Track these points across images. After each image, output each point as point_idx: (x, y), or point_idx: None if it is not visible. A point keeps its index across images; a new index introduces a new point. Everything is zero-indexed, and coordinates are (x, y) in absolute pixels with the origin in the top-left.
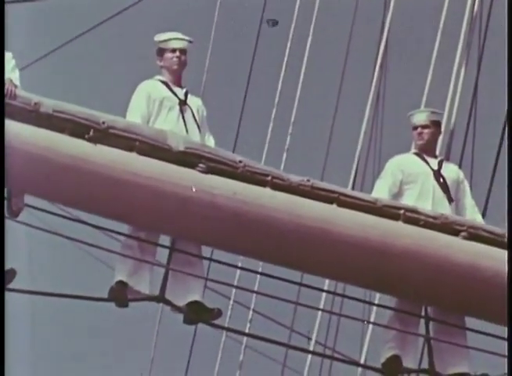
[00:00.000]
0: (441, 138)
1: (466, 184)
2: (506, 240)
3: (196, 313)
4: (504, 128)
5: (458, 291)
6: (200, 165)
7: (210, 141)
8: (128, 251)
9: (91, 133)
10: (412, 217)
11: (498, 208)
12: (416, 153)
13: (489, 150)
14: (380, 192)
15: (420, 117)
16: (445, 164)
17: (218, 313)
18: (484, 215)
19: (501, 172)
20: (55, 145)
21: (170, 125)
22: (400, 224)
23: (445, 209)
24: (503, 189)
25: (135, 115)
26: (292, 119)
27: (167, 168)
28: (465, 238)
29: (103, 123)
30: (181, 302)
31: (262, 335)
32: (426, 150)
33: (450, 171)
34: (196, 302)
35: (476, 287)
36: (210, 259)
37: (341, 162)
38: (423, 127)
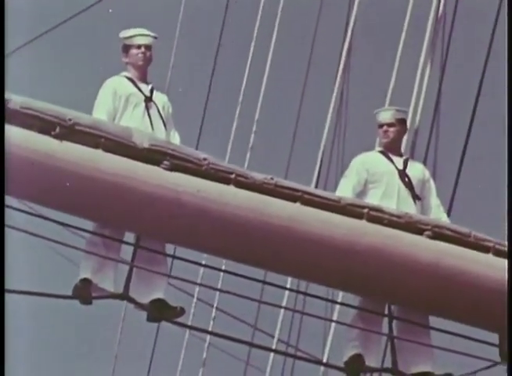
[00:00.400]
0: (405, 136)
1: (432, 183)
2: (500, 247)
3: (159, 311)
4: (470, 127)
5: (422, 290)
6: (165, 162)
7: (176, 138)
8: (92, 248)
9: (57, 130)
10: (376, 216)
11: (463, 207)
12: (381, 152)
13: (454, 148)
14: (345, 190)
15: (386, 116)
16: (410, 163)
17: (181, 311)
18: (449, 214)
19: (466, 171)
20: (23, 141)
21: (135, 122)
22: (364, 223)
23: (410, 208)
24: (468, 187)
25: (101, 112)
26: (256, 117)
27: (132, 165)
28: (429, 237)
29: (69, 120)
30: (144, 300)
31: (225, 333)
32: (391, 149)
33: (415, 169)
34: (159, 300)
35: (440, 286)
36: (174, 256)
37: (305, 160)
38: (389, 125)
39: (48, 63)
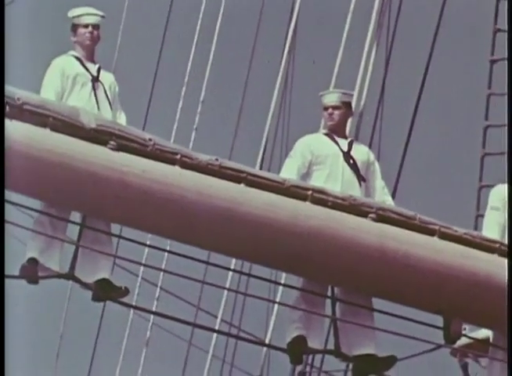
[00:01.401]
0: (350, 119)
1: (377, 165)
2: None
3: (104, 291)
4: (416, 110)
5: (366, 273)
6: (111, 142)
7: (122, 118)
8: (39, 227)
9: (7, 109)
10: (320, 198)
11: (408, 190)
12: (325, 134)
13: (399, 131)
14: (289, 172)
15: (331, 98)
16: (355, 145)
17: (126, 291)
18: (393, 197)
19: (411, 153)
20: None
21: (82, 102)
22: (308, 204)
23: (354, 190)
24: (413, 170)
25: (49, 91)
26: (201, 98)
27: (79, 144)
28: (373, 220)
29: (18, 99)
30: (90, 280)
31: (169, 313)
32: (336, 131)
33: (360, 152)
34: (104, 280)
35: (383, 269)
36: (119, 237)
37: (250, 142)
38: (334, 108)
39: None
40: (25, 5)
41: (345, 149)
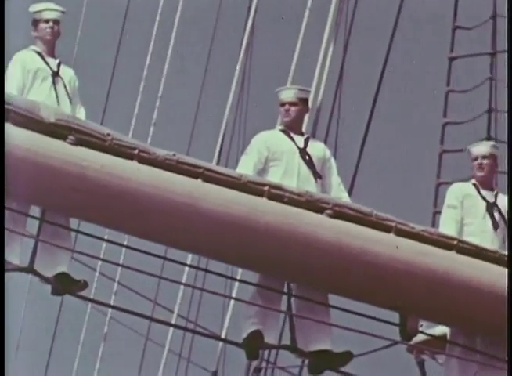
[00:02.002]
0: (307, 115)
1: (333, 162)
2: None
3: (63, 284)
4: (373, 106)
5: (322, 269)
6: (70, 137)
7: (81, 113)
8: None
9: None
10: (277, 194)
11: (365, 186)
12: (282, 130)
13: (356, 128)
14: (245, 168)
15: (288, 94)
16: (311, 142)
17: (84, 285)
18: (350, 193)
19: (368, 150)
20: None
21: (42, 96)
22: (264, 200)
23: (311, 187)
24: (370, 167)
25: (10, 86)
26: (159, 93)
27: (39, 139)
28: (330, 216)
29: None
30: (49, 273)
31: (126, 307)
32: (292, 127)
33: (316, 148)
34: (63, 274)
35: (340, 265)
36: (78, 231)
37: (207, 137)
38: (291, 104)
39: None
40: (23, 4)
41: (301, 145)
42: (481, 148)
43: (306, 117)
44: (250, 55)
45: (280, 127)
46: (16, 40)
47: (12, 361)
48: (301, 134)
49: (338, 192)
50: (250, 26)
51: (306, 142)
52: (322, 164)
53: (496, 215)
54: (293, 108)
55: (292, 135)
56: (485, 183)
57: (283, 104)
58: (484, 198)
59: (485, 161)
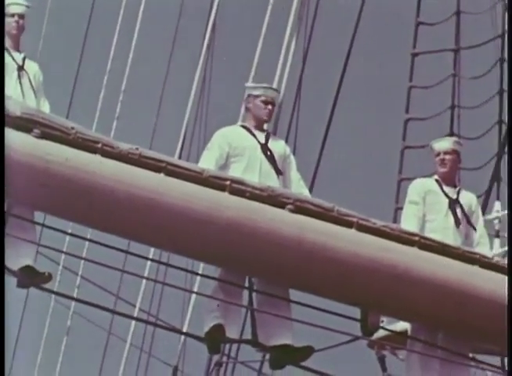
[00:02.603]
0: None
1: (293, 158)
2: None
3: (29, 277)
4: (335, 102)
5: (283, 264)
6: (35, 130)
7: (46, 106)
8: None
9: None
10: (239, 188)
11: (326, 182)
12: (243, 126)
13: (318, 123)
14: (207, 164)
15: (272, 94)
16: (271, 139)
17: (49, 277)
18: (312, 189)
19: (329, 146)
20: None
21: (8, 90)
22: (226, 195)
23: (272, 182)
24: (332, 162)
25: None
26: (123, 87)
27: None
28: (291, 211)
29: None
30: (14, 266)
31: (89, 301)
32: (254, 124)
33: (277, 145)
34: (28, 267)
35: (302, 260)
36: (42, 225)
37: (169, 131)
38: (271, 104)
39: None
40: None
41: (262, 141)
42: (444, 144)
43: None
44: (212, 50)
45: (241, 123)
46: None
47: None
48: (262, 130)
49: (298, 188)
50: (212, 22)
51: (267, 138)
52: (282, 160)
53: (459, 211)
54: (269, 107)
55: (253, 131)
56: (448, 179)
57: (266, 103)
58: (446, 194)
59: (448, 157)
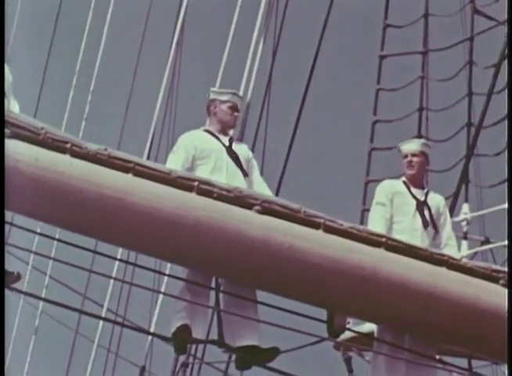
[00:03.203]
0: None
1: (255, 162)
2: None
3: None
4: (302, 104)
5: (250, 265)
6: (6, 130)
7: (15, 107)
8: None
9: None
10: (206, 189)
11: (293, 184)
12: (206, 131)
13: (286, 125)
14: (173, 166)
15: (238, 100)
16: (235, 142)
17: (18, 276)
18: (278, 190)
19: (297, 147)
20: None
21: None
22: (194, 196)
23: (239, 183)
24: (299, 164)
25: None
26: (91, 88)
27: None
28: (259, 212)
29: None
30: None
31: (57, 301)
32: (219, 129)
33: (241, 148)
34: None
35: (268, 261)
36: (11, 224)
37: (138, 132)
38: (235, 109)
39: None
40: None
41: (227, 144)
42: (412, 146)
43: None
44: (181, 53)
45: (204, 127)
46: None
47: None
48: (226, 134)
49: (262, 190)
50: (180, 24)
51: (230, 141)
52: (247, 163)
53: (426, 213)
54: (236, 113)
55: (217, 134)
56: (416, 181)
57: (233, 109)
58: (414, 196)
59: (415, 159)
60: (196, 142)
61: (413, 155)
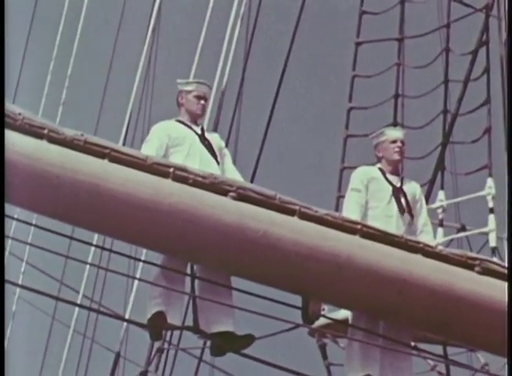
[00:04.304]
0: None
1: (227, 151)
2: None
3: None
4: (278, 91)
5: (224, 251)
6: None
7: None
8: None
9: None
10: (182, 175)
11: (268, 170)
12: (178, 121)
13: (261, 112)
14: (148, 153)
15: (205, 90)
16: (206, 131)
17: None
18: (253, 177)
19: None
20: None
21: None
22: (169, 182)
23: (213, 170)
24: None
25: None
26: (69, 72)
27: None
28: (234, 198)
29: None
30: None
31: (34, 287)
32: (190, 119)
33: (213, 137)
34: None
35: (243, 248)
36: None
37: (114, 118)
38: (204, 98)
39: None
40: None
41: (199, 132)
42: (399, 132)
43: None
44: (157, 39)
45: (176, 118)
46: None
47: None
48: (196, 124)
49: (235, 177)
50: (156, 11)
51: (202, 130)
52: (219, 151)
53: (402, 199)
54: (202, 102)
55: (189, 123)
56: (394, 168)
57: (199, 98)
58: (390, 182)
59: (403, 146)
60: (169, 130)
61: (402, 142)
